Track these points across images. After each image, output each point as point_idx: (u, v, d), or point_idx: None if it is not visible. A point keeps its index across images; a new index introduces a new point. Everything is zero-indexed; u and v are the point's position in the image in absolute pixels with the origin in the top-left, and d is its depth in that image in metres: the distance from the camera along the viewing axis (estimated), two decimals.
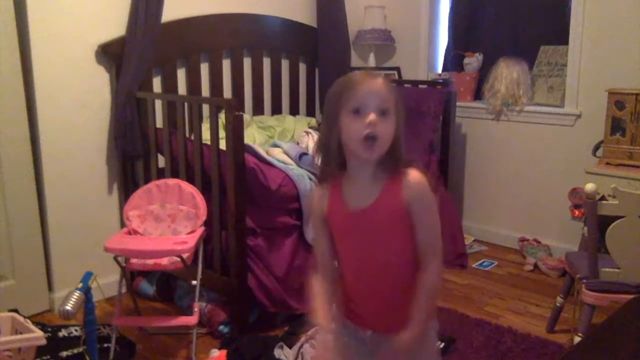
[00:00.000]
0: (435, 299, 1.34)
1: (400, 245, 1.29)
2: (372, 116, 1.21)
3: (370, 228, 1.28)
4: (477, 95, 3.74)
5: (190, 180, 2.57)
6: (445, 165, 3.47)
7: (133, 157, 2.88)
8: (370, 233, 1.28)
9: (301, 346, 2.30)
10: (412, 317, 1.26)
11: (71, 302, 1.90)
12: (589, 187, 2.07)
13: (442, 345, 2.39)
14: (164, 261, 2.34)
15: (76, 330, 2.48)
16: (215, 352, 2.31)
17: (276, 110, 3.64)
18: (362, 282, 1.34)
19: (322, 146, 1.31)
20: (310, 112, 3.85)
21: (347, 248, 1.33)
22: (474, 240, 3.66)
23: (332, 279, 1.37)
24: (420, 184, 1.27)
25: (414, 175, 1.27)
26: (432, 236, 1.29)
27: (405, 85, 3.69)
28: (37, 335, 1.90)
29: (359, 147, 1.23)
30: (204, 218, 2.43)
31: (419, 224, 1.28)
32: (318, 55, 3.77)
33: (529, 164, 3.48)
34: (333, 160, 1.29)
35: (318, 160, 1.33)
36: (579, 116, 3.23)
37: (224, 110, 2.42)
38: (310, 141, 3.08)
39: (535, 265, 3.28)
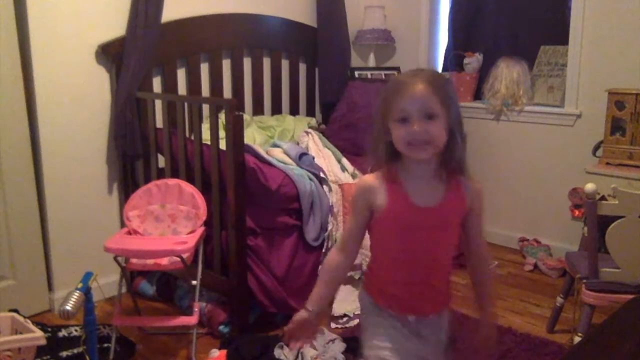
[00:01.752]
0: (496, 290, 1.49)
1: (452, 241, 1.39)
2: (416, 126, 1.26)
3: (436, 225, 1.35)
4: (477, 95, 3.74)
5: (190, 180, 2.57)
6: None
7: (133, 157, 2.88)
8: (434, 229, 1.35)
9: (301, 346, 2.30)
10: (489, 306, 1.48)
11: (71, 302, 1.90)
12: (589, 187, 2.07)
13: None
14: (164, 261, 2.35)
15: (76, 330, 2.48)
16: (215, 352, 2.31)
17: (276, 110, 3.64)
18: (408, 271, 1.39)
19: (374, 143, 1.36)
20: (310, 112, 3.85)
21: (404, 240, 1.36)
22: None
23: (352, 261, 1.44)
24: (481, 192, 1.40)
25: (476, 183, 1.39)
26: (484, 238, 1.44)
27: None
28: (37, 335, 1.90)
29: (408, 151, 1.29)
30: (204, 218, 2.43)
31: (476, 225, 1.40)
32: (318, 55, 3.77)
33: (529, 164, 3.48)
34: (385, 155, 1.34)
35: (371, 157, 1.38)
36: (579, 116, 3.23)
37: (224, 110, 2.42)
38: (310, 141, 3.08)
39: (535, 265, 3.28)
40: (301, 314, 1.41)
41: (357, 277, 2.71)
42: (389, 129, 1.30)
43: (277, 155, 2.78)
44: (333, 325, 2.58)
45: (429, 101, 1.26)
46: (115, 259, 2.28)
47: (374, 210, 1.36)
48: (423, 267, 1.38)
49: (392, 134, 1.29)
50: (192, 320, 2.29)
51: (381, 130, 1.32)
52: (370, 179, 1.38)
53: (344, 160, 2.99)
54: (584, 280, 2.18)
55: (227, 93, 3.37)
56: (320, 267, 1.45)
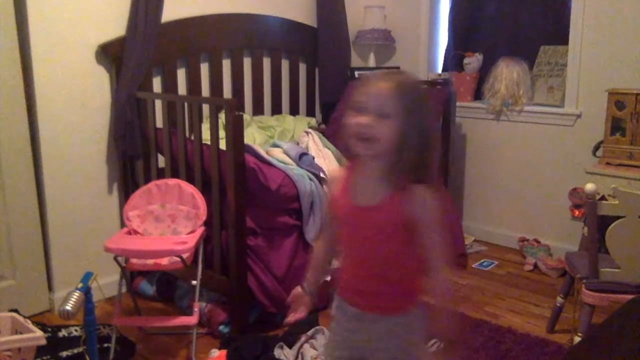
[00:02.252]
0: (449, 300, 1.39)
1: (393, 246, 1.35)
2: (364, 119, 1.26)
3: (369, 225, 1.35)
4: (477, 95, 3.74)
5: (190, 180, 2.57)
6: (445, 165, 3.47)
7: (133, 157, 2.88)
8: (368, 229, 1.36)
9: (301, 346, 2.30)
10: (435, 319, 1.37)
11: (71, 302, 1.90)
12: (589, 187, 2.07)
13: (442, 346, 2.39)
14: (164, 261, 2.35)
15: (76, 330, 2.48)
16: (215, 352, 2.31)
17: (276, 110, 3.64)
18: (354, 266, 1.43)
19: (342, 136, 1.37)
20: (310, 112, 3.85)
21: (346, 234, 1.42)
22: (474, 240, 3.67)
23: (327, 245, 1.52)
24: (424, 202, 1.29)
25: (424, 193, 1.29)
26: (437, 248, 1.33)
27: None
28: (37, 335, 1.90)
29: (352, 142, 1.30)
30: (204, 218, 2.43)
31: (422, 238, 1.32)
32: (318, 55, 3.77)
33: (529, 164, 3.48)
34: (346, 150, 1.36)
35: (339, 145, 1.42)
36: (579, 116, 3.23)
37: (224, 110, 2.42)
38: (310, 141, 3.08)
39: (535, 265, 3.28)
40: (297, 289, 1.55)
41: None
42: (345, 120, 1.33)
43: (277, 155, 2.78)
44: (333, 324, 2.57)
45: (386, 100, 1.25)
46: (115, 259, 2.28)
47: (331, 201, 1.46)
48: (367, 266, 1.40)
49: (345, 121, 1.30)
50: (192, 320, 2.29)
51: (342, 123, 1.34)
52: (335, 171, 1.52)
53: (344, 161, 2.99)
54: (584, 280, 2.18)
55: (227, 93, 3.37)
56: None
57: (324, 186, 2.73)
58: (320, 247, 1.55)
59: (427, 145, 1.29)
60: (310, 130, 3.24)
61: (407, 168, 1.28)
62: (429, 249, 1.34)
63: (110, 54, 2.80)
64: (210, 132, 2.44)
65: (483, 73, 3.68)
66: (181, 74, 3.14)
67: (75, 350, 2.31)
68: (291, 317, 1.56)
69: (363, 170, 1.35)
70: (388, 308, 1.41)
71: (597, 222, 2.09)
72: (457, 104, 3.55)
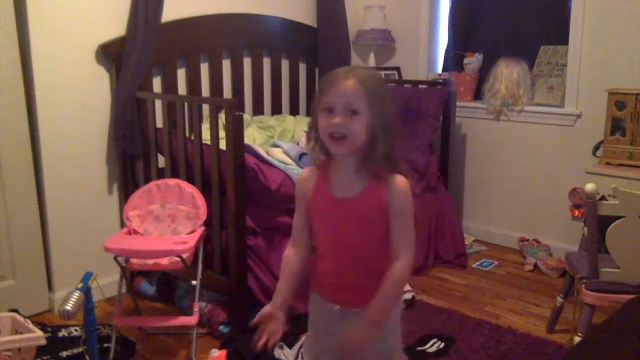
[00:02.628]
0: (399, 290, 1.51)
1: (374, 235, 1.41)
2: (337, 119, 1.32)
3: (351, 216, 1.40)
4: (477, 95, 3.74)
5: (190, 180, 2.57)
6: (445, 165, 3.47)
7: (133, 157, 2.88)
8: (349, 220, 1.40)
9: (301, 346, 2.30)
10: (375, 302, 1.38)
11: (71, 302, 1.90)
12: (589, 187, 2.07)
13: (442, 346, 2.39)
14: (164, 261, 2.35)
15: (76, 330, 2.48)
16: (215, 352, 2.31)
17: (276, 110, 3.64)
18: (335, 261, 1.46)
19: (311, 135, 1.44)
20: (310, 112, 3.85)
21: (326, 229, 1.45)
22: (474, 240, 3.66)
23: (304, 253, 1.51)
24: (403, 191, 1.38)
25: (399, 181, 1.38)
26: (406, 236, 1.40)
27: (405, 85, 3.69)
28: (37, 335, 1.90)
29: (328, 143, 1.36)
30: (204, 218, 2.43)
31: (395, 225, 1.39)
32: (318, 55, 3.77)
33: (529, 164, 3.48)
34: (318, 148, 1.42)
35: (308, 146, 1.45)
36: (579, 116, 3.23)
37: (224, 110, 2.42)
38: None
39: (535, 265, 3.28)
40: (266, 309, 1.47)
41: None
42: (316, 119, 1.37)
43: (277, 155, 2.78)
44: None
45: (354, 98, 1.31)
46: (115, 259, 2.28)
47: (307, 200, 1.45)
48: (348, 258, 1.43)
49: (318, 124, 1.36)
50: (192, 320, 2.29)
51: (315, 122, 1.38)
52: (305, 172, 1.50)
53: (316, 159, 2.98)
54: (584, 280, 2.18)
55: (227, 93, 3.37)
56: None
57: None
58: (289, 255, 1.52)
59: (393, 134, 1.37)
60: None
61: (380, 158, 1.35)
62: (398, 236, 1.40)
63: (110, 54, 2.80)
64: (210, 132, 2.44)
65: (483, 73, 3.68)
66: (181, 74, 3.14)
67: (75, 350, 2.31)
68: (262, 342, 1.44)
69: (338, 165, 1.41)
70: (369, 301, 1.41)
71: (597, 222, 2.09)
72: (457, 104, 3.55)
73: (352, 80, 1.32)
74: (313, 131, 1.41)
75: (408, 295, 2.75)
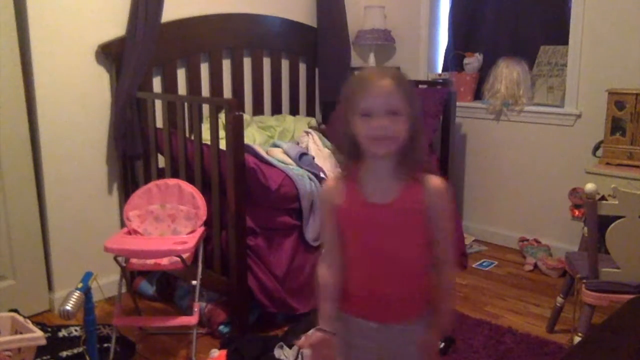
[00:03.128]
0: (453, 296, 1.44)
1: (414, 242, 1.34)
2: (379, 121, 1.25)
3: (389, 222, 1.32)
4: (477, 95, 3.74)
5: (190, 180, 2.57)
6: (445, 165, 3.47)
7: (133, 157, 2.88)
8: (388, 227, 1.32)
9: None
10: (441, 310, 1.36)
11: (71, 302, 1.90)
12: (589, 187, 2.07)
13: (442, 345, 2.39)
14: (164, 261, 2.34)
15: (76, 330, 2.48)
16: (215, 352, 2.31)
17: (276, 110, 3.64)
18: (372, 274, 1.36)
19: (339, 140, 1.36)
20: (310, 112, 3.85)
21: (362, 239, 1.35)
22: (474, 240, 3.67)
23: (339, 271, 1.39)
24: (442, 191, 1.33)
25: (436, 181, 1.33)
26: (448, 240, 1.36)
27: None
28: (37, 335, 1.90)
29: (369, 145, 1.28)
30: (204, 218, 2.43)
31: (437, 229, 1.34)
32: (318, 55, 3.76)
33: (529, 164, 3.48)
34: (348, 153, 1.34)
35: (337, 154, 1.39)
36: (579, 116, 3.23)
37: (224, 110, 2.42)
38: (310, 141, 3.08)
39: (535, 265, 3.28)
40: (315, 334, 1.36)
41: None
42: (351, 124, 1.30)
43: (277, 155, 2.78)
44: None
45: (392, 97, 1.26)
46: (115, 259, 2.28)
47: (337, 211, 1.36)
48: (384, 269, 1.34)
49: (356, 129, 1.29)
50: (192, 320, 2.30)
51: (346, 126, 1.32)
52: (330, 182, 1.42)
53: (340, 166, 2.98)
54: (584, 280, 2.18)
55: (227, 93, 3.37)
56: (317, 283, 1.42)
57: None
58: (327, 275, 1.39)
59: (422, 133, 1.33)
60: (310, 130, 3.24)
61: (420, 158, 1.31)
62: (442, 241, 1.34)
63: (110, 54, 2.80)
64: (210, 132, 2.44)
65: (483, 73, 3.68)
66: (181, 74, 3.14)
67: (75, 350, 2.31)
68: None
69: (371, 169, 1.33)
70: (410, 314, 1.37)
71: (597, 222, 2.09)
72: (457, 104, 3.55)
73: (388, 80, 1.27)
74: (344, 138, 1.33)
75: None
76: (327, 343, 1.35)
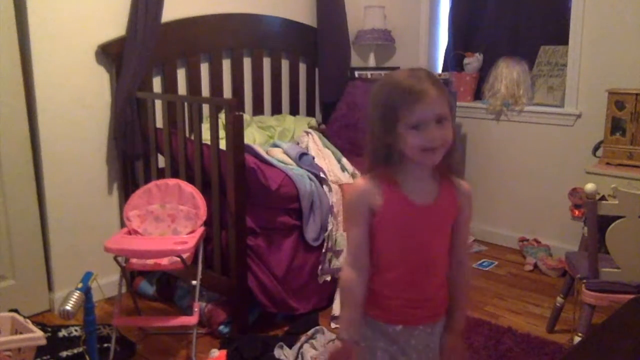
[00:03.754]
0: (470, 296, 1.47)
1: (446, 241, 1.37)
2: (433, 132, 1.23)
3: (433, 224, 1.33)
4: (477, 95, 3.74)
5: (190, 180, 2.57)
6: None
7: (133, 157, 2.88)
8: (430, 229, 1.33)
9: (301, 346, 2.30)
10: (460, 310, 1.40)
11: (71, 302, 1.90)
12: (589, 187, 2.07)
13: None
14: (164, 261, 2.34)
15: (76, 330, 2.48)
16: (215, 352, 2.31)
17: (276, 110, 3.64)
18: (410, 275, 1.34)
19: (375, 145, 1.31)
20: (310, 112, 3.85)
21: (405, 241, 1.33)
22: (474, 240, 3.67)
23: (367, 275, 1.34)
24: (470, 195, 1.38)
25: (466, 185, 1.38)
26: (468, 239, 1.43)
27: None
28: (37, 335, 1.90)
29: (419, 157, 1.26)
30: (204, 218, 2.43)
31: (463, 228, 1.39)
32: (318, 55, 3.77)
33: (529, 164, 3.48)
34: (384, 160, 1.30)
35: (367, 159, 1.34)
36: (579, 116, 3.23)
37: (224, 110, 2.42)
38: (310, 141, 3.08)
39: (535, 265, 3.28)
40: (336, 345, 1.32)
41: None
42: (394, 134, 1.25)
43: (277, 155, 2.78)
44: (333, 325, 2.58)
45: (441, 106, 1.24)
46: (115, 259, 2.28)
47: (374, 212, 1.31)
48: (423, 267, 1.34)
49: (406, 141, 1.25)
50: (192, 320, 2.29)
51: (383, 134, 1.27)
52: (363, 182, 1.34)
53: (344, 160, 2.99)
54: (584, 280, 2.18)
55: (227, 93, 3.37)
56: (338, 288, 1.38)
57: (324, 186, 2.73)
58: (355, 280, 1.33)
59: (456, 134, 1.32)
60: (310, 130, 3.24)
61: (456, 160, 1.33)
62: (464, 240, 1.39)
63: (110, 54, 2.80)
64: (210, 132, 2.44)
65: (483, 73, 3.68)
66: (181, 74, 3.14)
67: (75, 350, 2.31)
68: None
69: (412, 173, 1.30)
70: (437, 315, 1.39)
71: (597, 222, 2.09)
72: (457, 104, 3.55)
73: (431, 86, 1.23)
74: (379, 146, 1.29)
75: None
76: (350, 354, 1.31)
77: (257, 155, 2.63)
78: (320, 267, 2.68)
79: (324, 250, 2.69)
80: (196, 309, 2.32)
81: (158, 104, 2.81)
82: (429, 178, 1.33)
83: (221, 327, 2.50)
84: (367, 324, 1.38)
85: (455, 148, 1.32)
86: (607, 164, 2.80)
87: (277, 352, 2.29)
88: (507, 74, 3.45)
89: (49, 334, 2.41)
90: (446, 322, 1.41)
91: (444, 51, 3.94)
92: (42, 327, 2.42)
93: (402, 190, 1.31)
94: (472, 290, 1.47)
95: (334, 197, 2.73)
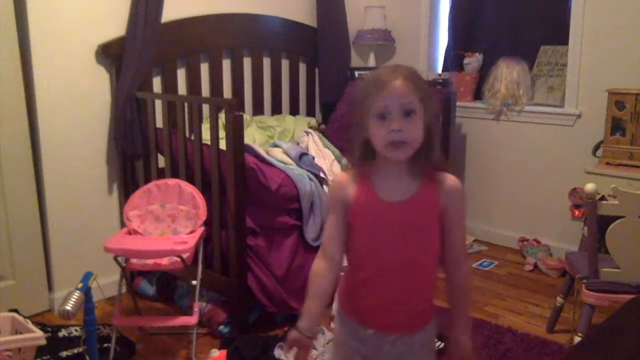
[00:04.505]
0: (471, 297, 1.40)
1: (429, 242, 1.30)
2: (395, 124, 1.21)
3: (404, 221, 1.28)
4: (477, 95, 3.74)
5: (190, 180, 2.57)
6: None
7: (133, 157, 2.88)
8: (402, 226, 1.28)
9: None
10: (462, 316, 1.37)
11: (71, 302, 1.90)
12: (589, 187, 2.07)
13: (441, 346, 2.39)
14: (164, 261, 2.34)
15: (76, 330, 2.48)
16: (215, 352, 2.31)
17: (276, 110, 3.64)
18: (380, 276, 1.30)
19: (350, 140, 1.32)
20: (310, 112, 3.85)
21: (370, 238, 1.30)
22: (474, 240, 3.67)
23: (336, 268, 1.33)
24: (458, 190, 1.30)
25: (452, 180, 1.30)
26: (463, 239, 1.35)
27: None
28: (37, 335, 1.90)
29: (386, 150, 1.24)
30: (204, 218, 2.42)
31: (453, 227, 1.31)
32: (318, 55, 3.77)
33: (529, 164, 3.48)
34: (361, 156, 1.30)
35: (346, 156, 1.35)
36: (579, 116, 3.23)
37: (224, 110, 2.42)
38: (310, 141, 3.08)
39: (535, 265, 3.28)
40: (293, 333, 1.28)
41: None
42: (365, 127, 1.25)
43: (277, 155, 2.78)
44: (333, 325, 2.57)
45: (407, 97, 1.21)
46: (115, 259, 2.28)
47: (346, 206, 1.30)
48: (397, 268, 1.29)
49: (370, 132, 1.24)
50: (192, 320, 2.29)
51: (358, 127, 1.28)
52: (341, 176, 1.35)
53: (344, 160, 2.99)
54: (584, 280, 2.18)
55: (227, 93, 3.37)
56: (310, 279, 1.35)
57: (324, 186, 2.73)
58: (322, 268, 1.32)
59: (438, 132, 1.29)
60: (310, 130, 3.24)
61: (436, 156, 1.28)
62: (458, 238, 1.32)
63: (110, 54, 2.80)
64: (210, 132, 2.44)
65: (483, 73, 3.68)
66: (181, 74, 3.14)
67: (75, 350, 2.30)
68: None
69: (384, 167, 1.29)
70: (413, 326, 1.33)
71: (597, 222, 2.09)
72: (457, 104, 3.55)
73: (400, 78, 1.22)
74: (355, 140, 1.29)
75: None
76: (303, 343, 1.28)
77: (257, 155, 2.63)
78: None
79: (323, 243, 2.68)
80: (196, 309, 2.32)
81: (158, 104, 2.81)
82: (405, 175, 1.28)
83: (221, 327, 2.50)
84: (342, 322, 1.37)
85: (433, 146, 1.27)
86: (607, 164, 2.80)
87: (277, 352, 2.30)
88: (507, 74, 3.45)
89: (49, 334, 2.41)
90: (449, 322, 1.38)
91: (444, 51, 3.94)
92: (42, 327, 2.42)
93: (373, 186, 1.29)
94: (472, 291, 1.40)
95: None
